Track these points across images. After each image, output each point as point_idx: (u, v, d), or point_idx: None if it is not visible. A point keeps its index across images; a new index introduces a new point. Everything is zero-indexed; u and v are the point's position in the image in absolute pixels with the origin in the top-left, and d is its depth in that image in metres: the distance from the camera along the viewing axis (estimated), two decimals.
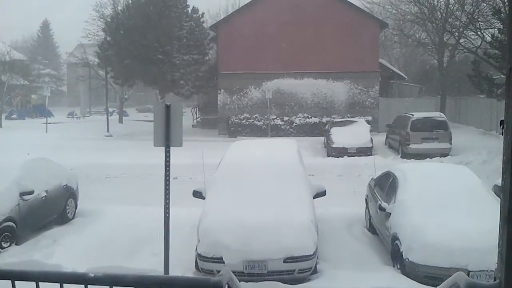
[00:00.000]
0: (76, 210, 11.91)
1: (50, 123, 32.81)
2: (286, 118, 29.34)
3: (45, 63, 66.61)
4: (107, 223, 10.69)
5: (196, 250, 7.44)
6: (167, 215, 6.83)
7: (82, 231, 10.24)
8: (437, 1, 34.96)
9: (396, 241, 7.65)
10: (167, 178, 6.82)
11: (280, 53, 28.47)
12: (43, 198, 10.44)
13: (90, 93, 53.09)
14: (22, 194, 9.71)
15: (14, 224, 9.33)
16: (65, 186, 11.50)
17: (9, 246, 9.13)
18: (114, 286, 2.67)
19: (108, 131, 31.55)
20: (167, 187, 6.82)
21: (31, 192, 9.89)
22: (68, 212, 11.50)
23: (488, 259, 5.92)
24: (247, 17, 29.39)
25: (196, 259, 7.50)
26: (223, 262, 6.97)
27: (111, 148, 23.72)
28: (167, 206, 6.82)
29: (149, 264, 7.42)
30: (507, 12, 2.60)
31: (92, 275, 2.68)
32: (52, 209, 10.82)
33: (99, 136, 29.78)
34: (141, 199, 12.98)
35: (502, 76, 20.51)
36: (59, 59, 73.06)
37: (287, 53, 28.47)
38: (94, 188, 14.52)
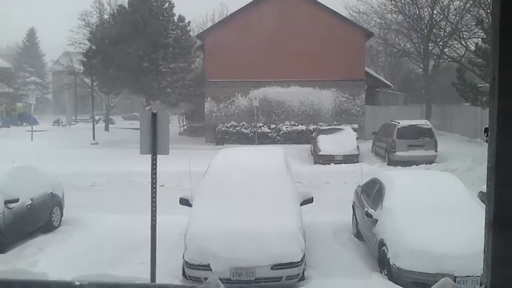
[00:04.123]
0: (62, 218, 11.79)
1: (35, 131, 32.53)
2: (273, 126, 29.37)
3: (31, 71, 66.03)
4: (93, 231, 10.60)
5: (183, 257, 7.42)
6: (154, 222, 6.79)
7: (67, 239, 10.16)
8: (422, 11, 35.41)
9: (383, 247, 7.68)
10: (154, 185, 6.79)
11: (267, 62, 28.48)
12: (28, 206, 10.33)
13: (76, 101, 52.81)
14: (6, 202, 9.61)
15: None
16: (50, 194, 11.39)
17: None
18: None
19: (94, 139, 31.31)
20: (154, 194, 6.78)
21: (16, 200, 9.79)
22: (54, 220, 11.39)
23: (474, 264, 5.93)
24: (233, 26, 29.44)
25: (183, 266, 7.47)
26: (211, 269, 6.95)
27: (97, 156, 23.54)
28: (154, 213, 6.79)
29: (135, 272, 7.35)
30: (490, 22, 2.65)
31: (78, 283, 2.65)
32: (38, 217, 10.72)
33: (85, 144, 29.53)
34: (127, 207, 12.90)
35: (486, 84, 20.77)
36: (44, 67, 72.49)
37: (273, 61, 28.51)
38: (80, 196, 14.38)
